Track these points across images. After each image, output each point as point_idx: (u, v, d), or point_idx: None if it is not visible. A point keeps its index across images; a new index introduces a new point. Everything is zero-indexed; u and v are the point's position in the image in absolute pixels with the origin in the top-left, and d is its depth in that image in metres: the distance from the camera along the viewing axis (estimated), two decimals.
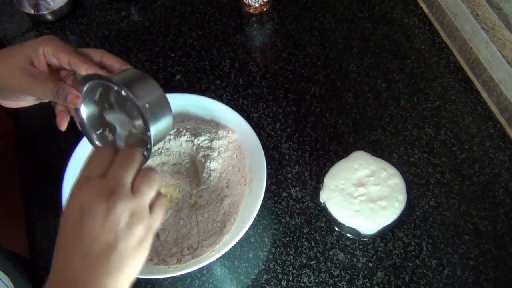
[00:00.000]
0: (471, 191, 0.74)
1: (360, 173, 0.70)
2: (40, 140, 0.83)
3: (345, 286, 0.68)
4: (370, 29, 0.93)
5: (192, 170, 0.76)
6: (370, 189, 0.68)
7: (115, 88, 0.48)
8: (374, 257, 0.70)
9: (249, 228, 0.66)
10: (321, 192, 0.70)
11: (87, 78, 0.51)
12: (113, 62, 0.56)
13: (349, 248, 0.71)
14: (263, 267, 0.70)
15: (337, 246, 0.71)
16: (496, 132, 0.80)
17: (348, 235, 0.71)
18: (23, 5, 0.96)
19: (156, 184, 0.46)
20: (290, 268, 0.70)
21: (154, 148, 0.59)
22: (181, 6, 0.99)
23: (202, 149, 0.74)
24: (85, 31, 0.96)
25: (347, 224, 0.67)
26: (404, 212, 0.68)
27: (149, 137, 0.49)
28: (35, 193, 0.78)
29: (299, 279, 0.69)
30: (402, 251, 0.70)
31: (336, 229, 0.72)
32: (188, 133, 0.76)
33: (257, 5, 0.93)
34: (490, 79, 0.82)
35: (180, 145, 0.76)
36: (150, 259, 0.66)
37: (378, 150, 0.78)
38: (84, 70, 0.53)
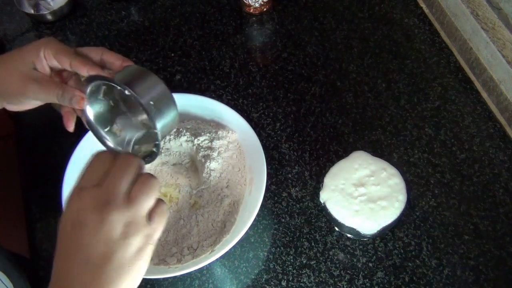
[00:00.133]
0: (471, 191, 0.74)
1: (360, 173, 0.70)
2: (40, 140, 0.83)
3: (345, 286, 0.68)
4: (370, 29, 0.93)
5: (192, 170, 0.76)
6: (370, 189, 0.68)
7: (118, 88, 0.48)
8: (374, 257, 0.70)
9: (249, 228, 0.66)
10: (321, 192, 0.70)
11: (90, 79, 0.51)
12: (114, 60, 0.55)
13: (349, 248, 0.71)
14: (263, 267, 0.70)
15: (337, 246, 0.71)
16: (496, 132, 0.80)
17: (348, 235, 0.71)
18: (23, 5, 0.96)
19: (155, 191, 0.45)
20: (290, 268, 0.70)
21: None
22: (181, 6, 0.99)
23: (202, 149, 0.74)
24: (85, 31, 0.96)
25: (347, 224, 0.67)
26: (404, 212, 0.68)
27: (157, 133, 0.48)
28: (35, 193, 0.78)
29: (299, 279, 0.69)
30: (402, 251, 0.70)
31: (336, 229, 0.72)
32: (188, 133, 0.76)
33: (257, 5, 0.93)
34: (490, 79, 0.82)
35: (180, 145, 0.76)
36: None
37: (378, 150, 0.78)
38: (85, 71, 0.53)
